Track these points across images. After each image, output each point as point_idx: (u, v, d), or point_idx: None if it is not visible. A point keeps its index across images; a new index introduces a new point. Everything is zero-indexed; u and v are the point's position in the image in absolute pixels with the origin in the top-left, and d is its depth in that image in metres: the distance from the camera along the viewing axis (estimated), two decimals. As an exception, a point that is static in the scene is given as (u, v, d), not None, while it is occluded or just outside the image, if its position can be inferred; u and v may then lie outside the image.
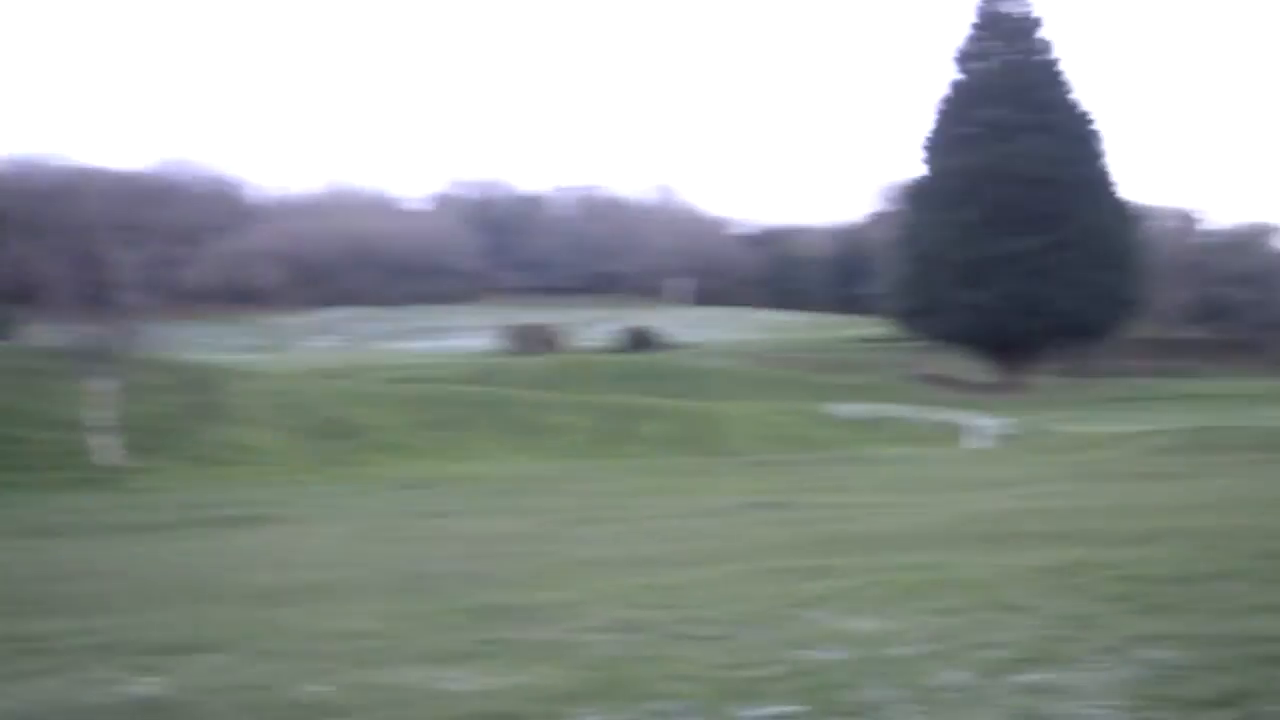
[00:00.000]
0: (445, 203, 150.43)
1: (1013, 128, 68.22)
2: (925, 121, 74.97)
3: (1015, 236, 66.75)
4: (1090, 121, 72.52)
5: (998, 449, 36.57)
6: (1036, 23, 72.77)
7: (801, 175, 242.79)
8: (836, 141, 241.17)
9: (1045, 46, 72.63)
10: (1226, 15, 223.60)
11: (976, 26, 72.97)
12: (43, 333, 46.01)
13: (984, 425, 41.19)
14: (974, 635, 9.02)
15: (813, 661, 8.37)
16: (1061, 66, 72.64)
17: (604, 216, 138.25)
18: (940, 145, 71.66)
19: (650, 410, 42.95)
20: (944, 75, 74.36)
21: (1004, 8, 72.57)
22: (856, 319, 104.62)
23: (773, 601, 10.64)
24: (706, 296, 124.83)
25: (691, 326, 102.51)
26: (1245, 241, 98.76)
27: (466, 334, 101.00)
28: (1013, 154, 67.55)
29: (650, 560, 14.18)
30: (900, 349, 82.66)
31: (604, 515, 22.02)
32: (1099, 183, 71.41)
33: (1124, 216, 73.29)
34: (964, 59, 73.04)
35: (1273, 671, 7.73)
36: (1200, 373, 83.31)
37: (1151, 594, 10.28)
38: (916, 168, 74.39)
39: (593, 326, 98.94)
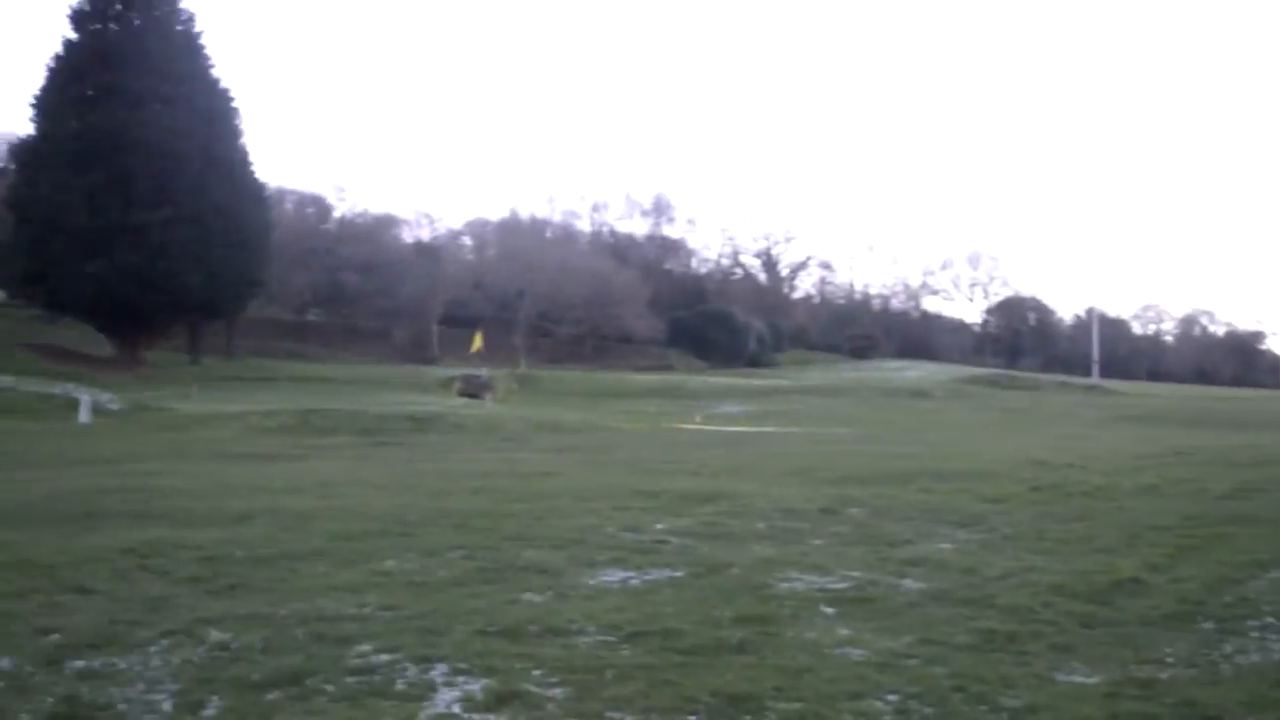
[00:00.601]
0: None
1: (141, 96, 66.51)
2: (39, 79, 70.81)
3: (138, 208, 65.04)
4: (230, 98, 72.45)
5: (106, 425, 35.55)
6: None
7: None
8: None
9: (187, 17, 71.45)
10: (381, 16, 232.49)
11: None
12: None
13: (95, 400, 39.89)
14: (34, 621, 8.64)
15: None
16: (204, 40, 71.82)
17: None
18: (54, 106, 67.97)
19: None
20: (62, 32, 70.25)
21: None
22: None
23: None
24: None
25: None
26: (372, 231, 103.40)
27: None
28: (139, 123, 65.70)
29: None
30: (11, 317, 78.53)
31: None
32: (233, 161, 71.25)
33: (256, 197, 73.74)
34: (80, 19, 69.72)
35: (335, 650, 8.01)
36: (322, 356, 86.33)
37: (229, 575, 10.40)
38: (28, 126, 70.26)
39: None
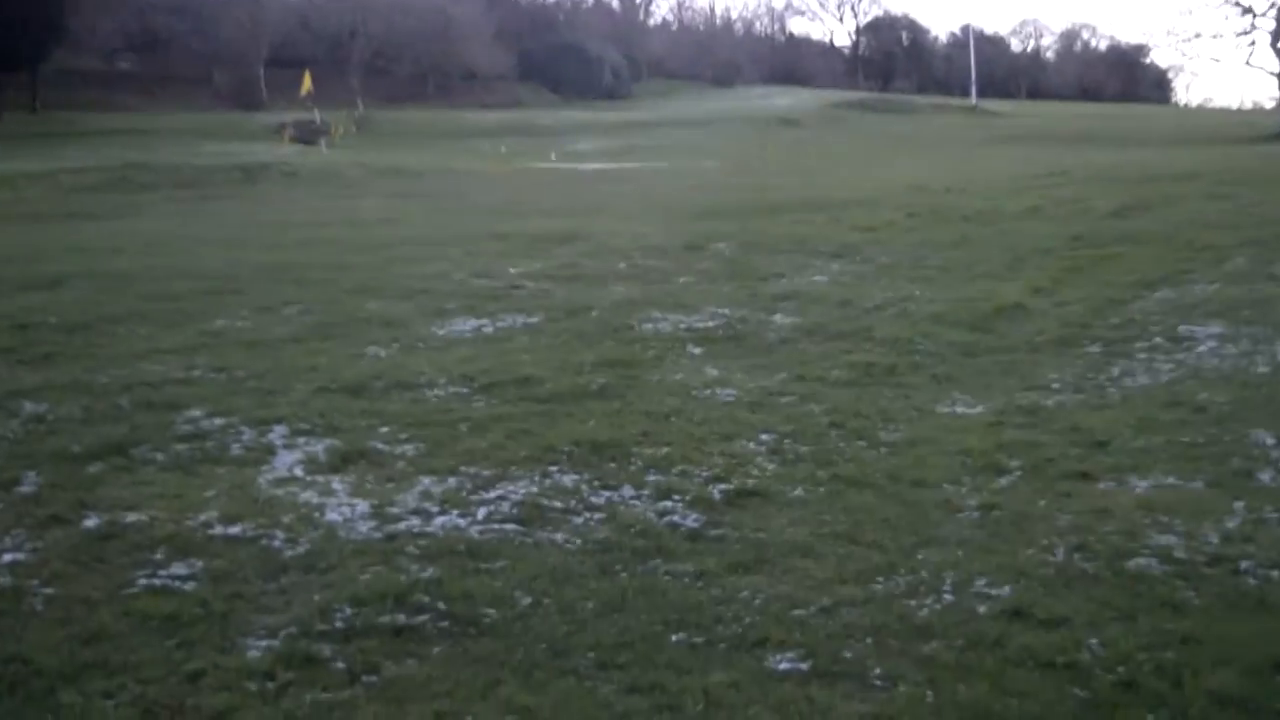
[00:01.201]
0: None
1: None
2: None
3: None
4: None
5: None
6: None
7: None
8: None
9: None
10: None
11: None
12: None
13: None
14: None
15: None
16: None
17: None
18: None
19: None
20: None
21: None
22: None
23: None
24: None
25: None
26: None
27: None
28: None
29: None
30: None
31: None
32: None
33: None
34: None
35: (162, 417, 7.82)
36: (139, 107, 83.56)
37: (43, 343, 10.11)
38: None
39: None
